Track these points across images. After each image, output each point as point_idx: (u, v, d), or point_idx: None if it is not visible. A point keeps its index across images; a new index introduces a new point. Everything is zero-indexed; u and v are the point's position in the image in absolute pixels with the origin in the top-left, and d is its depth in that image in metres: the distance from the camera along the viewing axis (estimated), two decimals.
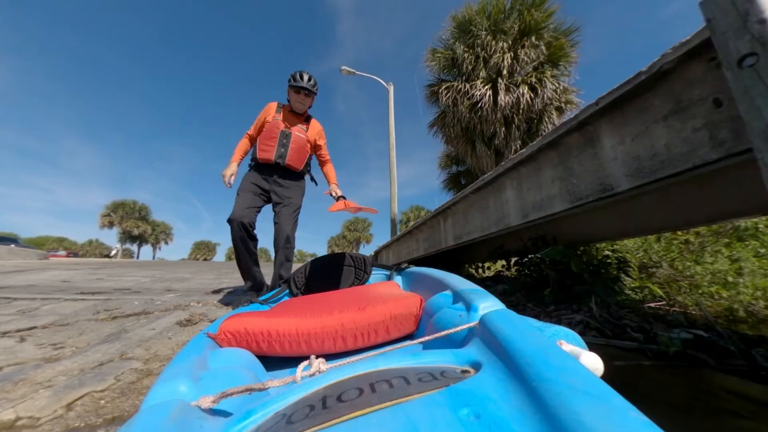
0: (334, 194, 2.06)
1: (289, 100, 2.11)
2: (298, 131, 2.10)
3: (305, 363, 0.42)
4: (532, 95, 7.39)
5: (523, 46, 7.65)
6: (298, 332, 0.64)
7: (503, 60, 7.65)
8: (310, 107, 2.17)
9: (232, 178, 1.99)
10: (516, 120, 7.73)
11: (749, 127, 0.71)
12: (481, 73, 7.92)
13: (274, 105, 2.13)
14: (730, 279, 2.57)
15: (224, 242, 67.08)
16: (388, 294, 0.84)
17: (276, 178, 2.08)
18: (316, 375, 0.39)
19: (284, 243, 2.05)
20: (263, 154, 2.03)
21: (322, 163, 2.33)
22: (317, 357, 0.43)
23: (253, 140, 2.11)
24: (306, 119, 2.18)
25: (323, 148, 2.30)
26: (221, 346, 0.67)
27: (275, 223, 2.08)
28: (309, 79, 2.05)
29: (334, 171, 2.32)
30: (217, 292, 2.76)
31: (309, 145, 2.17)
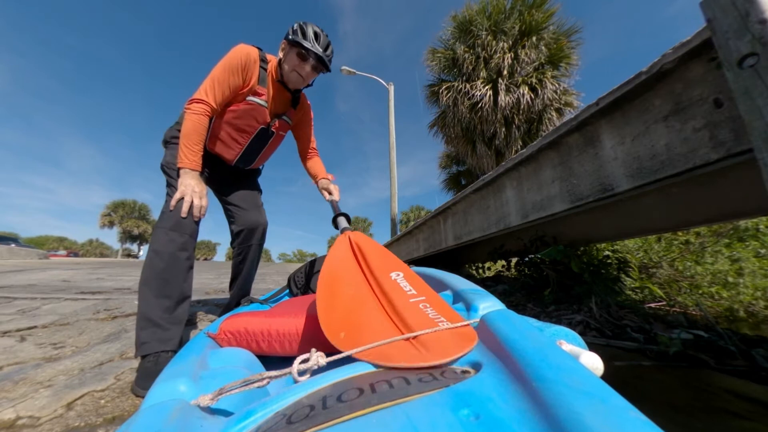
0: (327, 195, 1.43)
1: (281, 63, 1.21)
2: (281, 127, 1.34)
3: (304, 356, 0.41)
4: (532, 96, 7.40)
5: (523, 47, 7.65)
6: (298, 332, 0.64)
7: (504, 60, 7.65)
8: (309, 86, 1.32)
9: (204, 202, 1.07)
10: (516, 120, 7.74)
11: (750, 127, 0.71)
12: (481, 74, 7.92)
13: (255, 57, 1.17)
14: (730, 279, 2.58)
15: (224, 242, 67.17)
16: None
17: (225, 178, 1.42)
18: (314, 368, 0.39)
19: (260, 236, 1.46)
20: (220, 148, 1.26)
21: (307, 157, 1.57)
22: (317, 351, 0.43)
23: (213, 114, 1.15)
24: (294, 99, 1.33)
25: (310, 136, 1.52)
26: (221, 346, 0.67)
27: (237, 207, 1.42)
28: (327, 47, 1.21)
29: (322, 163, 1.59)
30: (216, 291, 2.76)
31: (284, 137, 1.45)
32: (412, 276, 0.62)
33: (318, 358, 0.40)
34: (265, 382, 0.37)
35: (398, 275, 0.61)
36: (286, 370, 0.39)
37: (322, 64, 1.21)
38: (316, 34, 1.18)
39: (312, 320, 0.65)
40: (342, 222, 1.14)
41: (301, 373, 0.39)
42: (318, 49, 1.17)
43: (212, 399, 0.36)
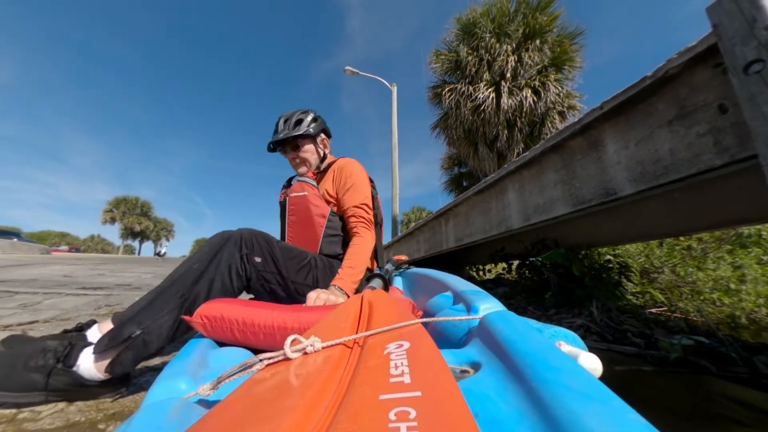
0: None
1: None
2: (296, 189, 1.24)
3: (300, 339, 0.40)
4: (535, 99, 7.39)
5: (527, 50, 7.65)
6: (274, 325, 0.62)
7: (507, 63, 7.65)
8: (322, 160, 1.30)
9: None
10: (519, 123, 7.73)
11: (754, 133, 0.71)
12: (484, 76, 7.92)
13: None
14: (732, 286, 2.56)
15: None
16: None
17: None
18: (308, 349, 0.38)
19: None
20: None
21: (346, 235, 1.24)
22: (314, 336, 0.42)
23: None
24: (318, 168, 1.32)
25: (344, 203, 1.19)
26: (197, 331, 0.67)
27: None
28: (284, 123, 1.25)
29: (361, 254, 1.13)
30: None
31: (318, 199, 1.22)
32: (421, 354, 0.33)
33: (313, 342, 0.39)
34: (263, 364, 0.37)
35: (398, 347, 0.36)
36: (281, 351, 0.38)
37: (288, 142, 1.25)
38: (276, 126, 1.27)
39: (290, 315, 0.63)
40: (373, 283, 0.86)
41: (294, 353, 0.38)
42: (275, 137, 1.25)
43: (212, 388, 0.36)
